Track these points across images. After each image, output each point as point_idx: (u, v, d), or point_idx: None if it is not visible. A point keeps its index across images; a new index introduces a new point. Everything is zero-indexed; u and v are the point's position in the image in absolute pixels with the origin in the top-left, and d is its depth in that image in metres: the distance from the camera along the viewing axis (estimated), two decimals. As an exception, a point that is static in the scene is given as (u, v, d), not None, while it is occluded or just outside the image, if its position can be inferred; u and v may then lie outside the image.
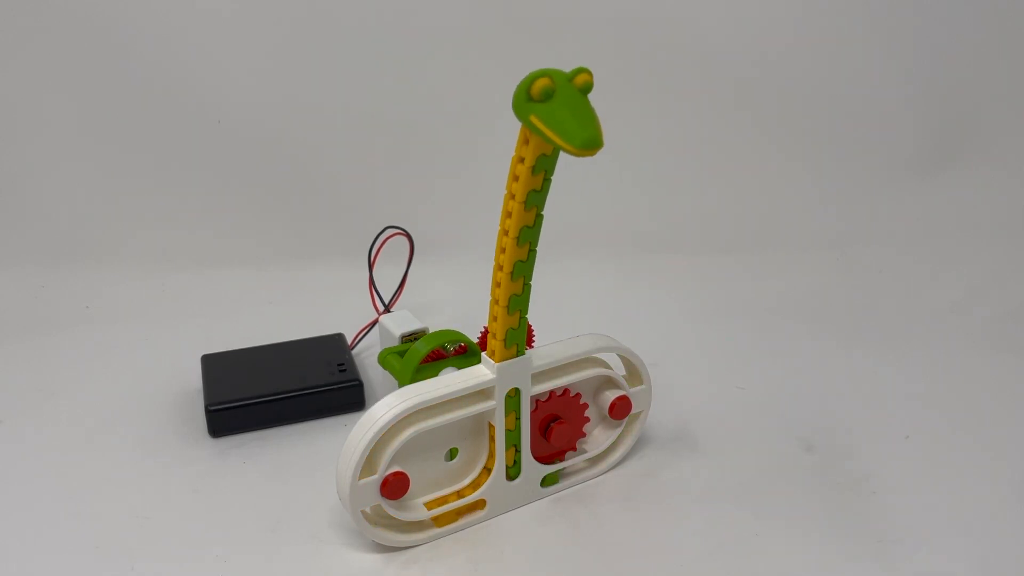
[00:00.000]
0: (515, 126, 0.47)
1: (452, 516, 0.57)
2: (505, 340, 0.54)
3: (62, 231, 0.97)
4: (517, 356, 0.55)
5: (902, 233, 1.00)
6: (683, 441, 0.66)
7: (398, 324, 0.71)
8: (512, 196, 0.49)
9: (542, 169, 0.48)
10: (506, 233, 0.50)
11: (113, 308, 0.87)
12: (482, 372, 0.55)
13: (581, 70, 0.44)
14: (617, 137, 1.00)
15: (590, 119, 0.43)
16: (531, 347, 0.67)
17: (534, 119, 0.44)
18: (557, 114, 0.43)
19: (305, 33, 0.97)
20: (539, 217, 0.50)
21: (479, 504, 0.58)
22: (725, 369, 0.76)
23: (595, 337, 0.60)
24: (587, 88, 0.44)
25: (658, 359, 0.73)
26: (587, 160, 0.96)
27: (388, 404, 0.53)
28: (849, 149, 1.04)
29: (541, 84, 0.43)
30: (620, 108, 0.93)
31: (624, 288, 0.92)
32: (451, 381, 0.55)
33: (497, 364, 0.54)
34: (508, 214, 0.50)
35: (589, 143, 0.43)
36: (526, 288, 0.53)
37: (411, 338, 0.71)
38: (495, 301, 0.53)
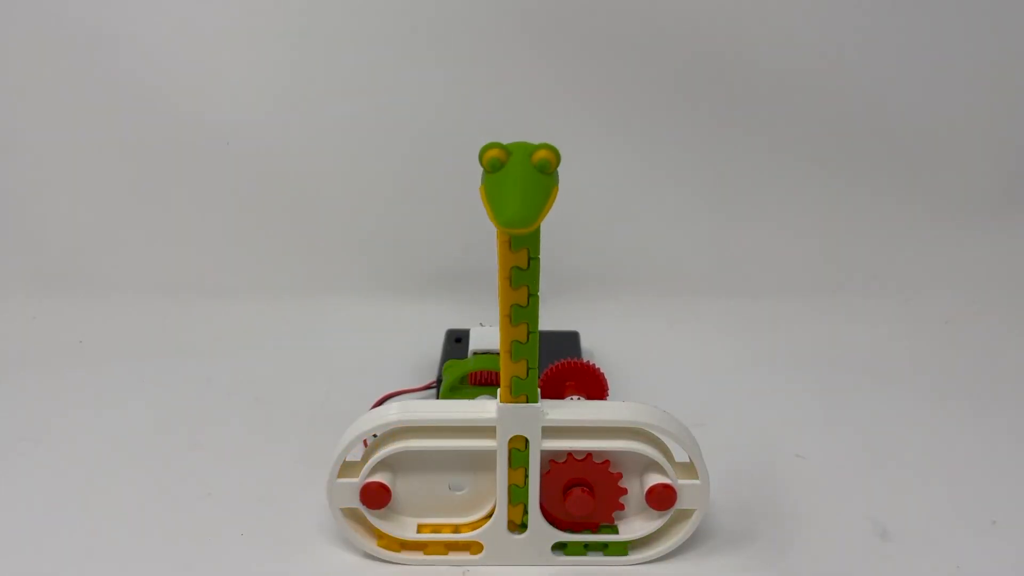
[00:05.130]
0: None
1: (443, 548, 0.54)
2: (511, 387, 0.50)
3: (56, 258, 0.90)
4: (526, 403, 0.50)
5: (973, 280, 0.90)
6: (733, 524, 0.56)
7: (481, 340, 0.69)
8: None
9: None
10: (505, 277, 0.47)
11: (108, 341, 0.81)
12: (487, 409, 0.51)
13: (544, 147, 0.43)
14: (670, 169, 0.89)
15: (520, 199, 0.41)
16: (604, 398, 0.61)
17: (481, 188, 0.43)
18: (497, 187, 0.42)
19: (321, 51, 0.86)
20: (533, 260, 0.46)
21: (475, 546, 0.54)
22: (782, 432, 0.67)
23: (641, 408, 0.52)
24: (543, 166, 0.42)
25: (706, 418, 0.64)
26: (631, 193, 0.90)
27: (382, 413, 0.52)
28: (917, 189, 0.91)
29: (489, 155, 0.42)
30: (672, 138, 0.88)
31: (670, 334, 0.85)
32: (453, 408, 0.52)
33: (499, 405, 0.50)
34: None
35: (509, 223, 0.41)
36: (531, 337, 0.48)
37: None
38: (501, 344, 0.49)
